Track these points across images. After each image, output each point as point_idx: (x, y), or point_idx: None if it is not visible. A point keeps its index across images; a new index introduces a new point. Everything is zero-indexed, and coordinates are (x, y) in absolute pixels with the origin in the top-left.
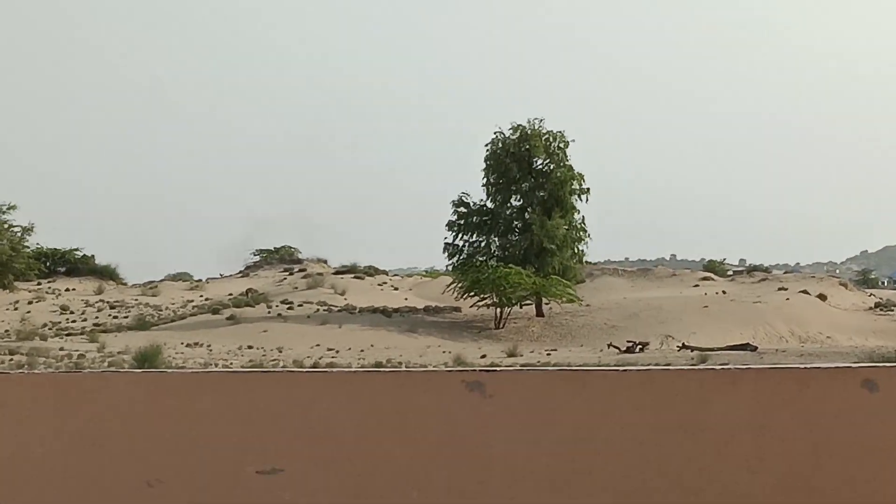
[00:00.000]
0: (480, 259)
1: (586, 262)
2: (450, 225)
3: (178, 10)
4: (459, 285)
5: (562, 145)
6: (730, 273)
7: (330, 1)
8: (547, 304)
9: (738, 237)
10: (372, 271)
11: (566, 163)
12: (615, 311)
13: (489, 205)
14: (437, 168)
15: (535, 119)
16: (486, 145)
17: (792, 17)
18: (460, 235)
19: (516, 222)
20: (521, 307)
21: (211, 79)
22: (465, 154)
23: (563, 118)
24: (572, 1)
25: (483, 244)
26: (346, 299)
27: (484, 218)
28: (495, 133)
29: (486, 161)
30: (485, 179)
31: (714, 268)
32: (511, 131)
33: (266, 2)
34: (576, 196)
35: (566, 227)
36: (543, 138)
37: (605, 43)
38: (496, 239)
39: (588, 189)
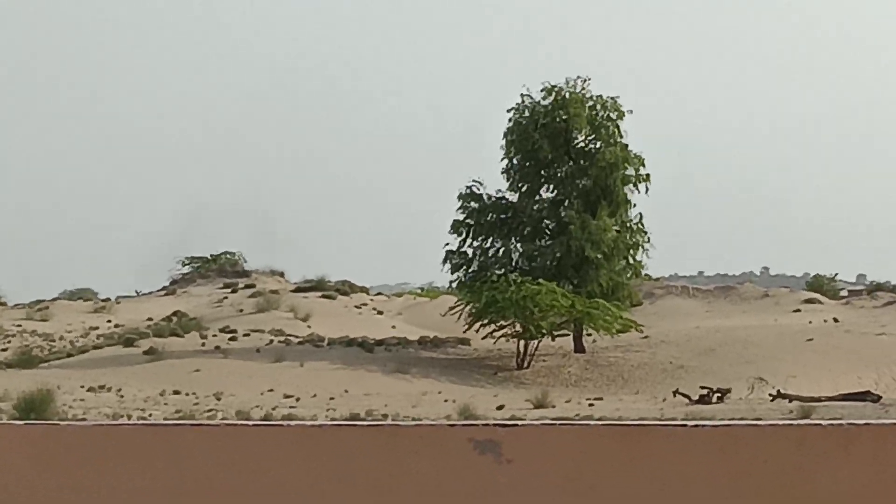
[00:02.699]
0: (498, 272)
1: (645, 276)
2: (455, 226)
3: None
4: (468, 308)
5: (613, 116)
6: (844, 293)
7: None
8: (589, 335)
9: (855, 245)
10: (347, 289)
11: (619, 140)
12: (684, 346)
13: (510, 197)
14: (437, 148)
15: (578, 79)
16: (509, 111)
17: None
18: (470, 240)
19: (548, 221)
20: (553, 339)
21: (119, 26)
22: (478, 129)
23: (608, 82)
24: None
25: (501, 252)
26: (310, 327)
27: (503, 215)
28: (522, 97)
29: (506, 136)
30: (505, 162)
31: (822, 286)
32: (543, 95)
33: None
34: (631, 186)
35: (617, 229)
36: (588, 106)
37: None
38: (520, 244)
39: (648, 176)
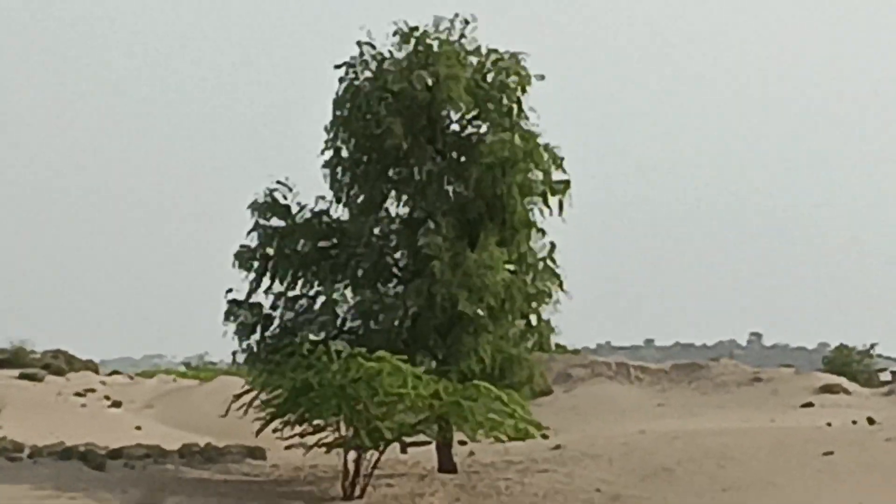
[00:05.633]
0: (314, 338)
1: (558, 347)
2: (242, 258)
3: None
4: (261, 398)
5: (513, 83)
6: (885, 377)
7: None
8: (464, 443)
9: None
10: (62, 365)
11: (519, 123)
12: (621, 463)
13: (336, 213)
14: (217, 130)
15: (455, 19)
16: (338, 69)
17: None
18: (268, 281)
19: (397, 254)
20: (404, 451)
21: None
22: (289, 99)
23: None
24: None
25: (320, 303)
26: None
27: (322, 242)
28: (359, 45)
29: (335, 111)
30: (330, 154)
31: (848, 365)
32: (396, 43)
33: None
34: (537, 200)
35: (512, 269)
36: (471, 64)
37: None
38: (350, 292)
39: (567, 185)
